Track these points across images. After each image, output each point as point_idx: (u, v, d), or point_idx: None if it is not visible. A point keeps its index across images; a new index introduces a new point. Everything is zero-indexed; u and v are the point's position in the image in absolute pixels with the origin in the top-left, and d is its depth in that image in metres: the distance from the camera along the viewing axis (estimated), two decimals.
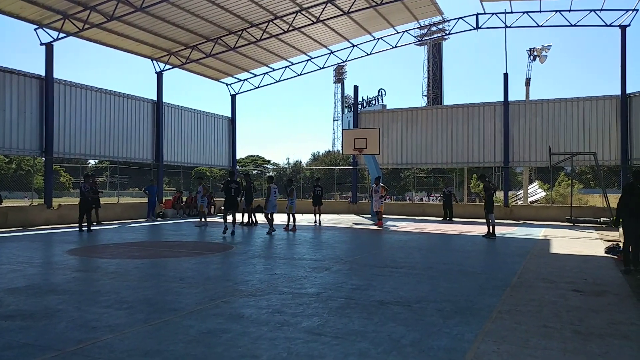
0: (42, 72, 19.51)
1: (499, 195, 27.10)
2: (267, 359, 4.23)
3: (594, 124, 23.91)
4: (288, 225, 16.87)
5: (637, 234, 8.50)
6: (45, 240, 13.88)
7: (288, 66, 28.50)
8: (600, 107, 23.81)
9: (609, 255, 10.97)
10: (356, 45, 27.07)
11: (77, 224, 16.30)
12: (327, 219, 22.96)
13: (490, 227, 15.22)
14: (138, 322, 5.33)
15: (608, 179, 30.79)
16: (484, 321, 5.45)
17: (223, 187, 15.41)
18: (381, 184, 19.25)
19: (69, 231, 16.39)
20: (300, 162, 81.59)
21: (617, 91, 23.18)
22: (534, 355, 4.38)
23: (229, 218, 15.29)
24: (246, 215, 19.18)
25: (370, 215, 24.71)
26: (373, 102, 29.27)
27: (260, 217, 19.83)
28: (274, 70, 28.93)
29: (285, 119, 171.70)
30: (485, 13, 24.04)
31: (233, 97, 30.60)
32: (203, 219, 19.37)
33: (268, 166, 77.44)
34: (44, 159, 20.12)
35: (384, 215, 19.24)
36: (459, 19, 24.97)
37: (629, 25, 22.14)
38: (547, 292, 7.04)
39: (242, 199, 17.45)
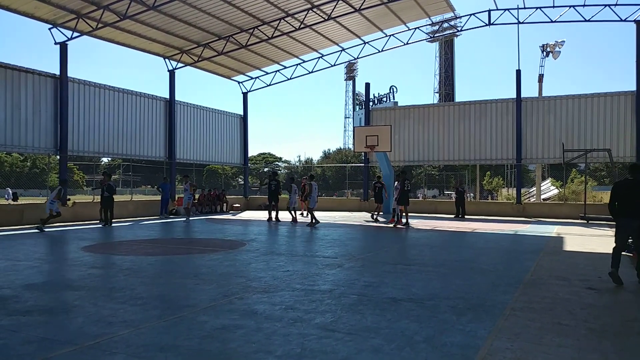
0: (57, 71, 19.68)
1: (511, 192, 26.95)
2: (281, 354, 4.27)
3: (609, 120, 23.65)
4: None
5: (631, 234, 7.83)
6: (61, 237, 14.06)
7: (299, 64, 28.50)
8: (615, 103, 23.55)
9: (623, 253, 10.83)
10: (367, 42, 27.00)
11: (110, 220, 17.63)
12: (339, 217, 22.99)
13: (400, 217, 18.37)
14: (153, 318, 5.40)
15: (623, 176, 30.45)
16: (497, 318, 5.44)
17: (266, 184, 19.87)
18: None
19: (84, 228, 16.60)
20: (312, 159, 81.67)
21: (632, 87, 22.90)
22: (548, 353, 4.37)
23: (273, 212, 19.70)
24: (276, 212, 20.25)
25: (382, 213, 24.65)
26: (384, 99, 29.18)
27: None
28: (285, 67, 28.96)
29: (296, 117, 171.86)
30: (497, 9, 23.87)
31: (245, 94, 30.69)
32: (187, 217, 20.11)
33: (279, 164, 77.65)
34: (58, 157, 20.36)
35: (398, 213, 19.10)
36: (471, 15, 24.82)
37: None
38: (560, 290, 7.00)
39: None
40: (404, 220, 18.24)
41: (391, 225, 18.44)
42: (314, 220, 17.84)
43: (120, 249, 11.75)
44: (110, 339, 4.64)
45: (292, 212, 19.58)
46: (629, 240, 8.85)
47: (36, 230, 15.29)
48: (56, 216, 16.06)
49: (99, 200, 18.18)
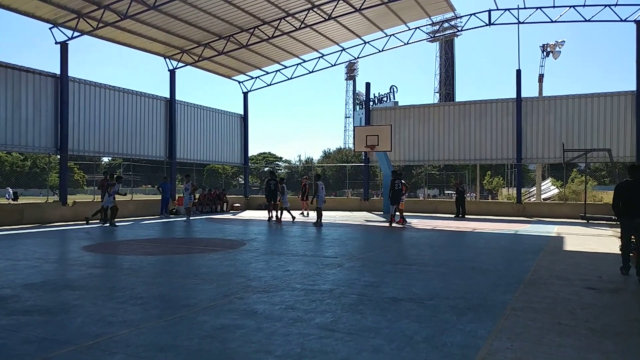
0: (57, 71, 19.69)
1: (511, 192, 26.93)
2: (281, 354, 4.26)
3: (609, 120, 23.65)
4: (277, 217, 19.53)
5: (633, 233, 8.17)
6: (61, 237, 14.06)
7: (300, 63, 28.50)
8: (615, 103, 23.55)
9: None
10: (368, 42, 27.00)
11: (112, 220, 17.59)
12: (339, 216, 22.98)
13: (395, 217, 18.62)
14: (153, 318, 5.39)
15: (623, 175, 30.42)
16: (498, 318, 5.43)
17: (265, 184, 19.88)
18: (402, 181, 18.95)
19: (84, 227, 16.58)
20: (312, 159, 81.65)
21: (632, 87, 22.89)
22: (549, 353, 4.36)
23: (273, 211, 19.75)
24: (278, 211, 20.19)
25: (382, 212, 24.67)
26: (385, 99, 29.17)
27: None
28: (285, 67, 28.96)
29: (296, 116, 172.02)
30: (497, 9, 23.87)
31: (245, 94, 30.69)
32: (187, 216, 19.97)
33: (280, 163, 77.66)
34: (58, 156, 20.36)
35: (397, 213, 19.08)
36: (471, 15, 24.83)
37: None
38: (561, 290, 7.00)
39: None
40: (403, 220, 18.38)
41: (400, 225, 18.31)
42: (318, 220, 17.79)
43: (120, 248, 11.74)
44: (110, 339, 4.63)
45: (285, 211, 19.75)
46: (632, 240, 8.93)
47: (111, 227, 16.56)
48: (112, 210, 17.18)
49: (100, 200, 18.19)
